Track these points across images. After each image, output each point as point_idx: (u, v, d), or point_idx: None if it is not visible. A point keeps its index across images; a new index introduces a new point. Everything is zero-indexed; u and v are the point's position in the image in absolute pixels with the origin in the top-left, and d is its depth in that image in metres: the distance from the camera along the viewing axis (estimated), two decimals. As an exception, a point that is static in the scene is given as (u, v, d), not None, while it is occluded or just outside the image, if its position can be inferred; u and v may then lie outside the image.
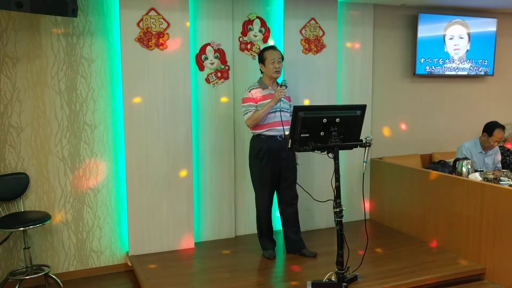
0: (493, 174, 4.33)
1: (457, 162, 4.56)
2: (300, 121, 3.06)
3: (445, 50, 5.50)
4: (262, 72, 4.05)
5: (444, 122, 5.76)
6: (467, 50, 5.62)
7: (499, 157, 5.11)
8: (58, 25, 3.94)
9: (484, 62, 5.78)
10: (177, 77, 4.22)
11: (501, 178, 4.28)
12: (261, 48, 4.31)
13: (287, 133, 3.48)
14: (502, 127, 4.84)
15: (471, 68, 5.70)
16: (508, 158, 5.24)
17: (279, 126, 3.86)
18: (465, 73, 5.66)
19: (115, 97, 4.17)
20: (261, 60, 3.99)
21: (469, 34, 5.59)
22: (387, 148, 5.41)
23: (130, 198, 4.15)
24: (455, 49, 5.52)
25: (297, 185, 4.06)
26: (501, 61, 5.97)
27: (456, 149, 5.10)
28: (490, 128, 4.83)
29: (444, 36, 5.46)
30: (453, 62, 5.56)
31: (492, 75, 5.88)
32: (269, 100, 3.89)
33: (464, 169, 4.43)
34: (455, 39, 5.51)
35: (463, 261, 3.99)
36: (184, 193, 4.31)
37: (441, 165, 5.09)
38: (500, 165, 5.08)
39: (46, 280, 3.91)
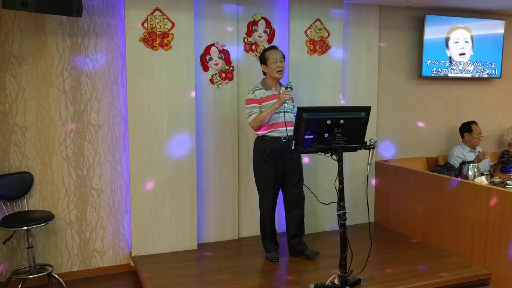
0: (499, 177, 4.30)
1: (463, 165, 4.53)
2: (304, 122, 3.04)
3: (448, 54, 5.45)
4: (264, 74, 4.03)
5: (451, 125, 5.70)
6: (471, 54, 5.57)
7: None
8: (63, 25, 3.95)
9: (492, 65, 5.72)
10: (182, 78, 4.21)
11: (508, 182, 4.25)
12: (266, 49, 4.28)
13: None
14: (475, 122, 5.29)
15: (478, 70, 5.64)
16: (501, 162, 5.33)
17: (283, 127, 3.83)
18: (470, 75, 5.61)
19: (119, 97, 4.17)
20: (263, 61, 3.97)
21: (473, 37, 5.54)
22: (392, 150, 5.37)
23: (133, 199, 4.15)
24: (460, 54, 5.48)
25: (304, 186, 4.02)
26: (509, 64, 5.91)
27: (447, 154, 5.19)
28: (467, 127, 5.29)
29: (447, 39, 5.41)
30: (458, 65, 5.52)
31: (500, 77, 5.82)
32: (273, 101, 3.87)
33: (470, 173, 4.41)
34: (460, 43, 5.47)
35: (468, 266, 3.95)
36: (188, 194, 4.30)
37: (447, 168, 5.07)
38: (491, 162, 5.28)
39: (49, 280, 3.92)
